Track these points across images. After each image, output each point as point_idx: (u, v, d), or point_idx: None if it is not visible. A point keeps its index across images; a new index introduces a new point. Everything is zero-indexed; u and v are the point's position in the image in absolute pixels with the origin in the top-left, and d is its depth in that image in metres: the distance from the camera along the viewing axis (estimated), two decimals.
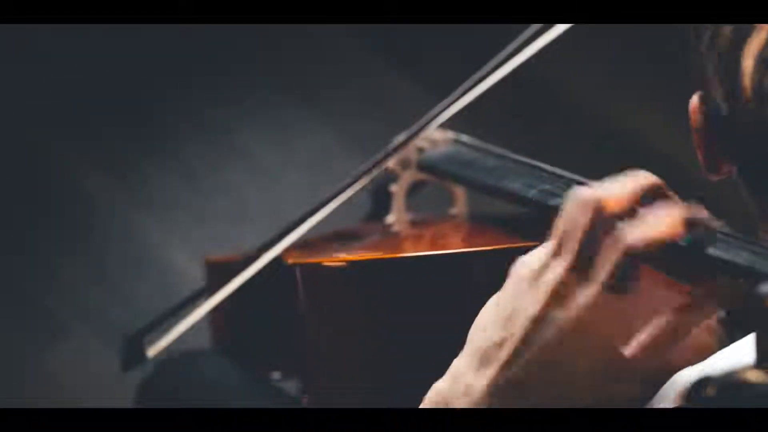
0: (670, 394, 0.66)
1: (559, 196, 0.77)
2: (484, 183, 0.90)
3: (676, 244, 0.55)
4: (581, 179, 0.79)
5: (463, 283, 0.74)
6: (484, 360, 0.58)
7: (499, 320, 0.58)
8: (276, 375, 1.02)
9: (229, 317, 1.06)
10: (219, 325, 1.08)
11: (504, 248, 0.73)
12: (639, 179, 0.57)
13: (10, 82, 2.06)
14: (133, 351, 0.88)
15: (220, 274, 0.87)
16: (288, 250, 0.89)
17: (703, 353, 0.57)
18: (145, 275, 1.92)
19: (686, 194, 0.59)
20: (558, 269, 0.56)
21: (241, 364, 1.02)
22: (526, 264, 0.58)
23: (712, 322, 0.56)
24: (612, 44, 1.94)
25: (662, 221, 0.54)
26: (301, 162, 2.04)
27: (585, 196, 0.56)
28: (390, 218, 1.06)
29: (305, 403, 0.80)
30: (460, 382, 0.59)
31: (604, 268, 0.55)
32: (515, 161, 0.92)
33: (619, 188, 0.57)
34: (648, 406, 0.62)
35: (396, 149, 0.93)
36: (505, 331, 0.57)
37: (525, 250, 0.62)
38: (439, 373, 0.69)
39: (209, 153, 2.07)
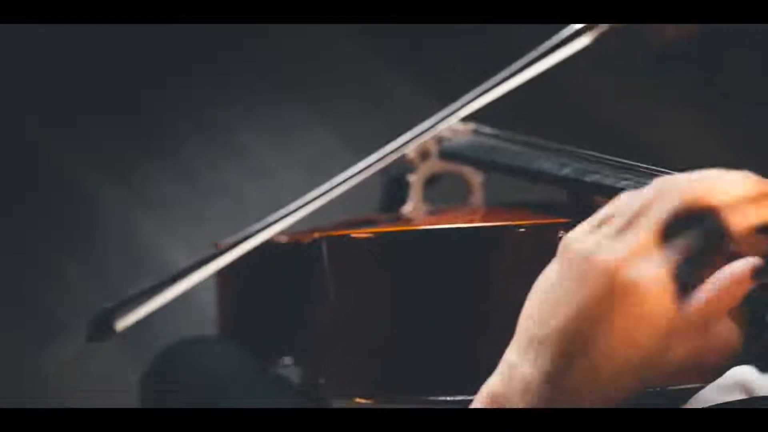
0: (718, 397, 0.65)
1: (598, 173, 0.74)
2: (512, 165, 0.86)
3: None
4: (617, 160, 0.77)
5: (495, 256, 0.71)
6: (535, 349, 0.53)
7: (547, 305, 0.53)
8: (287, 360, 0.98)
9: (238, 303, 1.04)
10: (227, 311, 1.06)
11: (539, 224, 0.70)
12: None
13: (10, 82, 2.06)
14: (101, 324, 0.85)
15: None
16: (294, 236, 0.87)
17: (727, 352, 0.54)
18: (145, 275, 1.92)
19: None
20: (621, 246, 0.51)
21: (250, 351, 1.00)
22: (577, 241, 0.53)
23: (736, 323, 0.54)
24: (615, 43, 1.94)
25: None
26: (301, 162, 2.04)
27: (689, 187, 0.51)
28: (407, 208, 1.06)
29: (322, 384, 0.78)
30: (516, 376, 0.54)
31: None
32: (541, 146, 0.90)
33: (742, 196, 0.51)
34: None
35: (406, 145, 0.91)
36: (554, 317, 0.53)
37: (558, 227, 0.60)
38: (465, 351, 0.66)
39: (209, 153, 2.07)
